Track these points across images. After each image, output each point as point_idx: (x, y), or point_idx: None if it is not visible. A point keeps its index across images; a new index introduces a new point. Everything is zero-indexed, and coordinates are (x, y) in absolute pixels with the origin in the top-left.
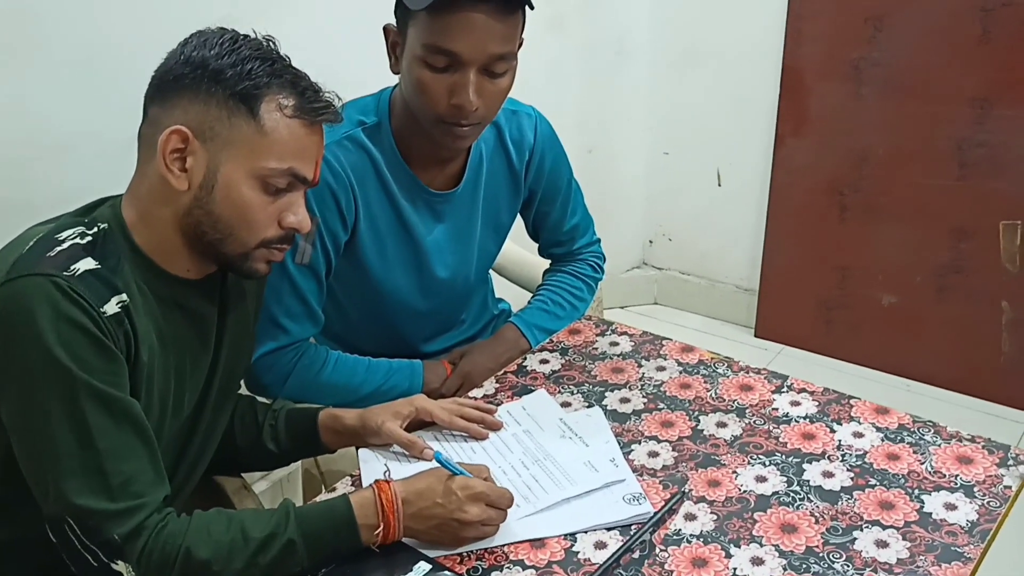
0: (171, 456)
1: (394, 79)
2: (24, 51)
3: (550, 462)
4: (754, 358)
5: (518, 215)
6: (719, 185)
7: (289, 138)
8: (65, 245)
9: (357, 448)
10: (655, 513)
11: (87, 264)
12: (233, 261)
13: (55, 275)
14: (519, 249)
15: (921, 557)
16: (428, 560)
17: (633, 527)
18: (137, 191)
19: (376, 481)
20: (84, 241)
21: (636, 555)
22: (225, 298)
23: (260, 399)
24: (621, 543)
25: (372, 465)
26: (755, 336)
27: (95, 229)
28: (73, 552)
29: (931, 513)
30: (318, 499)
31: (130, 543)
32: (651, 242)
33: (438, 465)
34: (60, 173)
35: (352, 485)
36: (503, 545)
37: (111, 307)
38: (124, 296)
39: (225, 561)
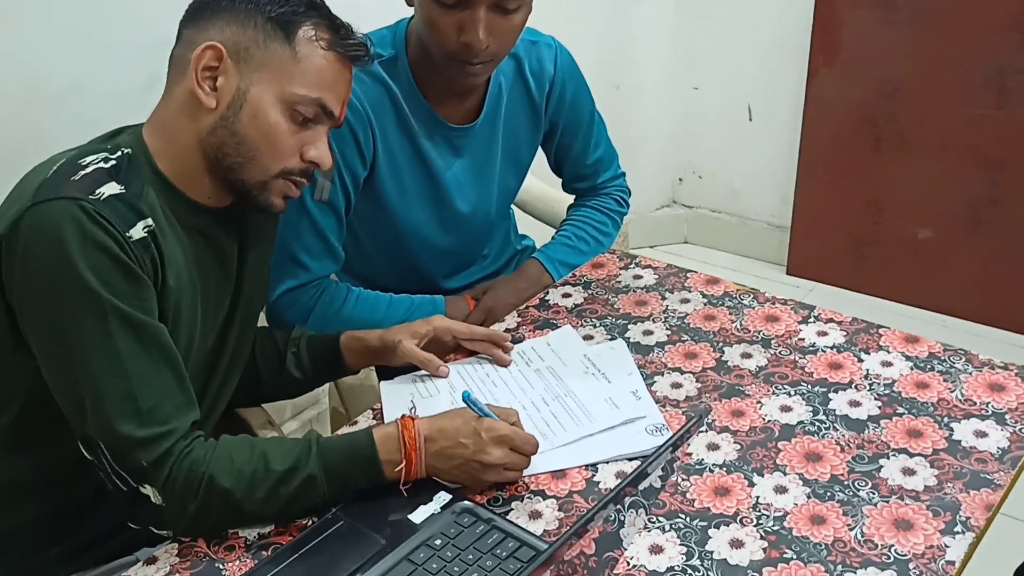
0: (199, 383)
1: (410, 10)
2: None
3: (571, 399)
4: (787, 295)
5: (539, 149)
6: (750, 120)
7: (320, 68)
8: (89, 169)
9: (380, 381)
10: (672, 435)
11: (112, 188)
12: (251, 189)
13: (81, 199)
14: (543, 185)
15: (949, 484)
16: (447, 489)
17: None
18: (162, 114)
19: (402, 417)
20: (108, 165)
21: (657, 484)
22: (244, 232)
23: (278, 330)
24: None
25: (394, 399)
26: (787, 274)
27: (118, 154)
28: (106, 473)
29: (960, 440)
30: (341, 431)
31: (156, 468)
32: (680, 180)
33: (465, 406)
34: (73, 116)
35: (374, 419)
36: (531, 478)
37: (137, 231)
38: (150, 221)
39: (247, 490)
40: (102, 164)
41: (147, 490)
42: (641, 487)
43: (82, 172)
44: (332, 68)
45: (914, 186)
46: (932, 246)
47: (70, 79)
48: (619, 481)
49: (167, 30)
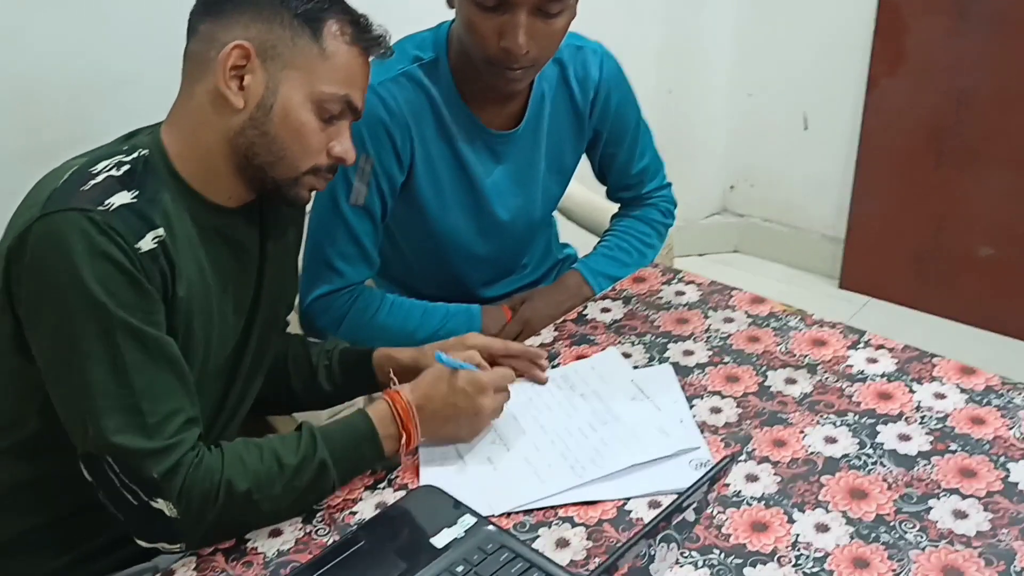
0: (220, 386)
1: (451, 13)
2: None
3: (619, 425)
4: (839, 309)
5: (583, 156)
6: (805, 128)
7: (347, 64)
8: (100, 178)
9: None
10: (706, 473)
11: (122, 198)
12: (280, 186)
13: (89, 210)
14: (587, 192)
15: (1004, 530)
16: (473, 513)
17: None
18: (182, 113)
19: (385, 391)
20: (120, 172)
21: (691, 517)
22: (265, 227)
23: (311, 340)
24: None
25: None
26: (840, 287)
27: (134, 155)
28: (112, 491)
29: (1017, 483)
30: (333, 419)
31: (168, 481)
32: (732, 187)
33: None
34: (119, 108)
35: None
36: (561, 506)
37: (146, 243)
38: (161, 231)
39: (265, 489)
40: (113, 172)
41: (159, 504)
42: (675, 521)
43: (92, 181)
44: (356, 63)
45: (978, 201)
46: (995, 264)
47: (124, 71)
48: (654, 513)
49: None
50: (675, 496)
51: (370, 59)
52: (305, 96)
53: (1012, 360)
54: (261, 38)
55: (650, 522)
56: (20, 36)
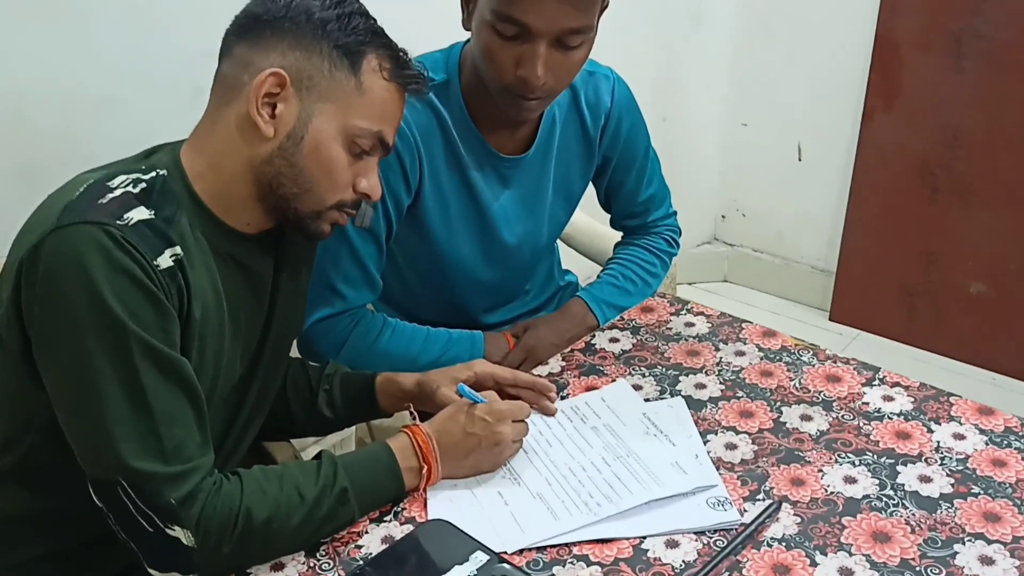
0: (224, 416)
1: (465, 34)
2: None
3: (634, 459)
4: (829, 342)
5: (590, 183)
6: (799, 160)
7: (383, 100)
8: (117, 192)
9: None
10: (747, 527)
11: (140, 214)
12: (302, 219)
13: (108, 224)
14: (589, 219)
15: None
16: (485, 550)
17: (716, 534)
18: (206, 135)
19: (405, 426)
20: (137, 189)
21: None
22: (281, 257)
23: (311, 363)
24: (693, 543)
25: None
26: (829, 319)
27: (152, 175)
28: (126, 518)
29: None
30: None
31: (186, 508)
32: (724, 217)
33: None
34: (115, 127)
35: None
36: (575, 543)
37: (165, 260)
38: (178, 249)
39: (284, 519)
40: (131, 188)
41: (176, 532)
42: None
43: (110, 195)
44: (392, 99)
45: (970, 238)
46: (986, 301)
47: (110, 91)
48: (672, 553)
49: (210, 43)
50: (694, 539)
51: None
52: (338, 130)
53: (1003, 399)
54: (298, 67)
55: (696, 574)
56: (6, 56)
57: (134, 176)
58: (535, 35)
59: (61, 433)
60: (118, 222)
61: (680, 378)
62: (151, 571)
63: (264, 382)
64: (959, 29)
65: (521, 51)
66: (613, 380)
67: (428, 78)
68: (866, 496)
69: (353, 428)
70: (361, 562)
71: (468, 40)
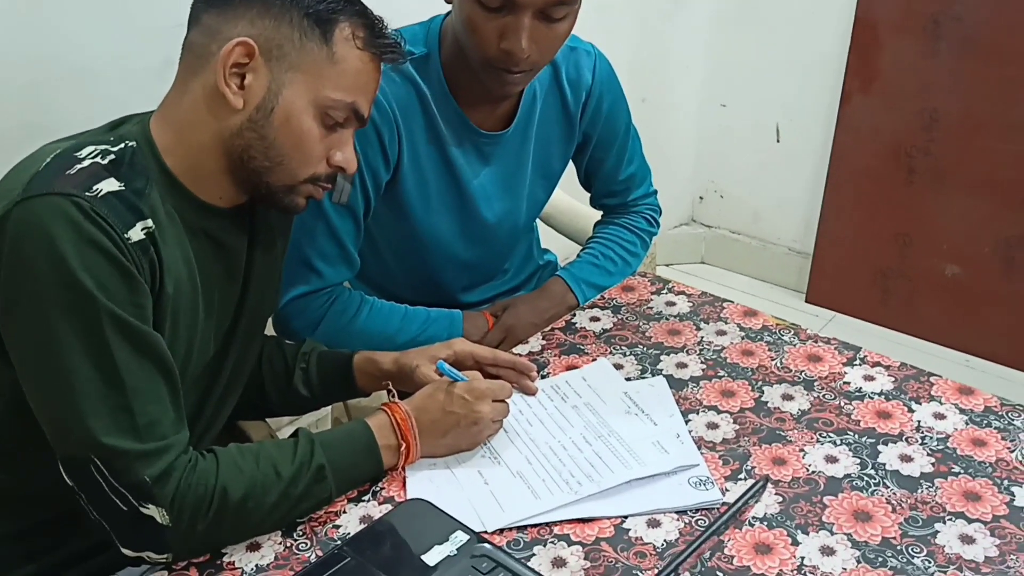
0: (197, 395)
1: (445, 7)
2: None
3: (615, 439)
4: (805, 323)
5: (570, 161)
6: (778, 141)
7: (356, 70)
8: (85, 164)
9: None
10: (732, 505)
11: (110, 185)
12: (275, 193)
13: (76, 195)
14: (568, 198)
15: (1012, 556)
16: (465, 529)
17: (698, 513)
18: (175, 107)
19: (383, 404)
20: (106, 160)
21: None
22: (254, 231)
23: (287, 342)
24: (675, 522)
25: None
26: (805, 301)
27: (120, 146)
28: (99, 496)
29: (1023, 508)
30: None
31: (160, 485)
32: (701, 198)
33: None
34: (83, 97)
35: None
36: (556, 523)
37: (136, 233)
38: (150, 222)
39: (261, 496)
40: (99, 159)
41: (150, 510)
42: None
43: (78, 166)
44: (366, 69)
45: (946, 221)
46: (960, 283)
47: (80, 59)
48: (653, 533)
49: (181, 14)
50: (676, 518)
51: (382, 66)
52: (309, 101)
53: (976, 379)
54: (267, 36)
55: (681, 553)
56: None
57: (102, 147)
58: (520, 6)
59: (30, 411)
60: (87, 193)
61: (661, 357)
62: (124, 551)
63: (238, 359)
64: (937, 12)
65: (505, 23)
66: (594, 359)
67: (407, 50)
68: (847, 475)
69: (329, 408)
70: (339, 542)
71: (448, 13)
